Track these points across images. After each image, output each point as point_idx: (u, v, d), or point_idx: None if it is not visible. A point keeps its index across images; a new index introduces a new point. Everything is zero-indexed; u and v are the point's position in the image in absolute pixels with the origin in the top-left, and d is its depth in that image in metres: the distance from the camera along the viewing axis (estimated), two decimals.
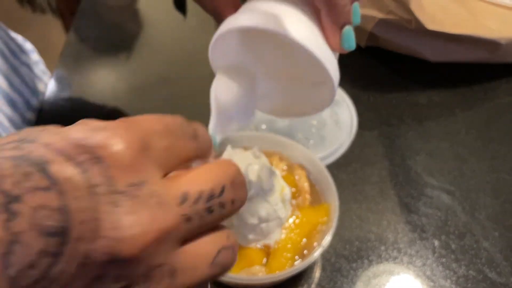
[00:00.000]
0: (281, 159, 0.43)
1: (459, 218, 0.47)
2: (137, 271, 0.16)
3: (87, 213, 0.15)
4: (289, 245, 0.37)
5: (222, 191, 0.19)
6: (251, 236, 0.37)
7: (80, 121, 0.17)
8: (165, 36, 0.49)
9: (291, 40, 0.27)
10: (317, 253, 0.36)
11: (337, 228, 0.37)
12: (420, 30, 0.54)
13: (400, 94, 0.58)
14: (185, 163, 0.20)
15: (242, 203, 0.20)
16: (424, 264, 0.43)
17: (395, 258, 0.44)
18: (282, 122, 0.53)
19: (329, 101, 0.31)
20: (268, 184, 0.37)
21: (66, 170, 0.15)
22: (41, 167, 0.15)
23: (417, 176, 0.50)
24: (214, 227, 0.19)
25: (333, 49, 0.28)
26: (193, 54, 0.60)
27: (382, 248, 0.44)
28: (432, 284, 0.42)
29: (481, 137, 0.54)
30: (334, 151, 0.51)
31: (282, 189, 0.38)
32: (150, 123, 0.18)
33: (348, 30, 0.27)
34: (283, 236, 0.38)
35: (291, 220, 0.39)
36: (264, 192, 0.36)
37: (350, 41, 0.27)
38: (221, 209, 0.19)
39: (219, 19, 0.31)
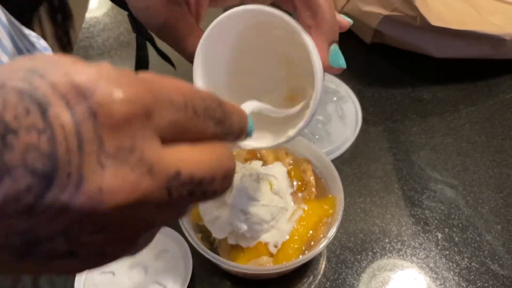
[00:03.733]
0: (287, 153, 0.44)
1: (462, 211, 0.47)
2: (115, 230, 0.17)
3: (73, 168, 0.15)
4: (296, 237, 0.38)
5: (211, 182, 0.19)
6: (264, 235, 0.38)
7: (101, 63, 0.17)
8: None
9: (294, 29, 0.27)
10: (322, 245, 0.37)
11: (342, 221, 0.38)
12: (424, 27, 0.55)
13: (405, 90, 0.59)
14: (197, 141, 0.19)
15: (222, 192, 0.20)
16: (427, 256, 0.44)
17: (399, 250, 0.45)
18: None
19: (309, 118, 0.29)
20: (255, 191, 0.37)
21: (62, 118, 0.15)
22: (42, 107, 0.15)
23: (421, 171, 0.51)
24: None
25: (322, 65, 0.28)
26: None
27: (386, 240, 0.45)
28: (435, 275, 0.43)
29: (484, 133, 0.55)
30: (339, 146, 0.52)
31: (270, 185, 0.38)
32: (170, 93, 0.18)
33: (335, 48, 0.28)
34: (292, 224, 0.39)
35: (298, 213, 0.40)
36: (257, 199, 0.37)
37: (338, 58, 0.28)
38: (202, 196, 0.19)
39: None
